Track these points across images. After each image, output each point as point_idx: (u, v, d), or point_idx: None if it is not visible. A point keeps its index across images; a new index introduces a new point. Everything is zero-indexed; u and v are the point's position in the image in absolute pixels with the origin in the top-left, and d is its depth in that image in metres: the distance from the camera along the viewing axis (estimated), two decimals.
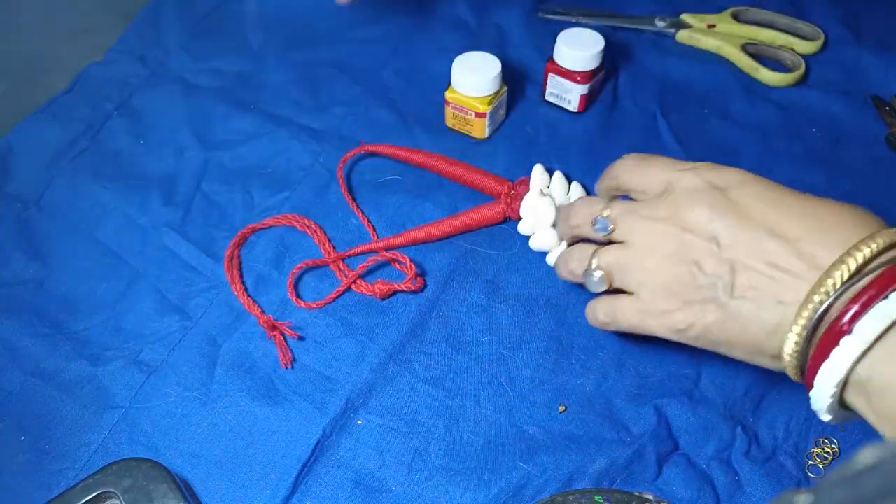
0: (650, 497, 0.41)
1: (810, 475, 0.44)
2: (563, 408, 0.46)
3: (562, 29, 0.61)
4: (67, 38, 0.68)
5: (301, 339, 0.50)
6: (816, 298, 0.33)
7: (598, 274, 0.41)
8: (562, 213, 0.46)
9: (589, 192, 0.57)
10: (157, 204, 0.57)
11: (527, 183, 0.55)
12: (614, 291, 0.42)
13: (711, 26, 0.70)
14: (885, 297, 0.31)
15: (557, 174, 0.56)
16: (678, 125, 0.63)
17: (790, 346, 0.34)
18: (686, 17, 0.71)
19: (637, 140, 0.62)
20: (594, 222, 0.41)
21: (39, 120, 0.63)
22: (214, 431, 0.46)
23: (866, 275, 0.32)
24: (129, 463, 0.42)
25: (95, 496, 0.40)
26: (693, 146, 0.61)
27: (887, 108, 0.63)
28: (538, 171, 0.56)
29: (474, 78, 0.57)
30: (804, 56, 0.67)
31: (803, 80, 0.66)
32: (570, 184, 0.56)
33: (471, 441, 0.45)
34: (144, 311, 0.51)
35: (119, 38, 0.70)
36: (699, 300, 0.37)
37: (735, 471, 0.44)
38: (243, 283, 0.52)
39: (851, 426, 0.45)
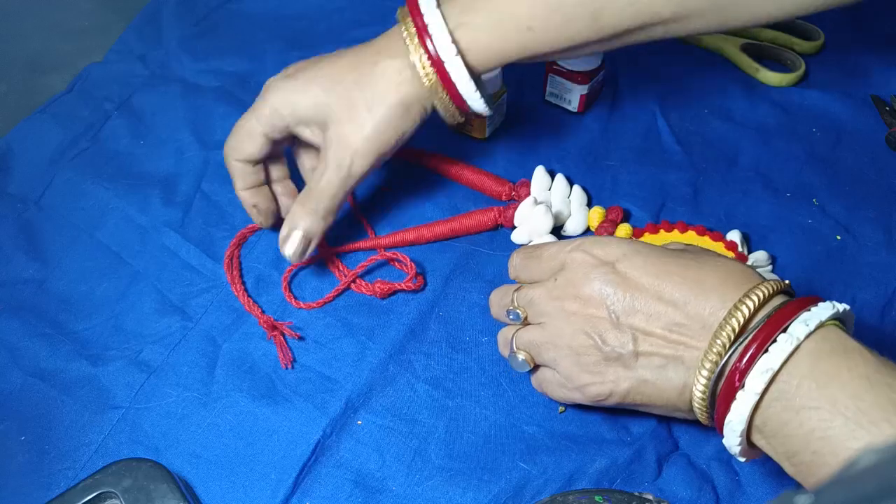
0: (650, 497, 0.41)
1: None
2: (564, 408, 0.46)
3: None
4: (67, 38, 0.68)
5: (301, 339, 0.50)
6: (712, 358, 0.35)
7: (520, 356, 0.42)
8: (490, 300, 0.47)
9: (590, 196, 0.57)
10: (157, 204, 0.57)
11: (528, 185, 0.55)
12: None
13: None
14: (766, 350, 0.34)
15: (559, 178, 0.56)
16: (678, 125, 0.63)
17: (697, 403, 0.37)
18: None
19: (637, 140, 0.62)
20: (507, 313, 0.43)
21: (39, 120, 0.63)
22: (214, 431, 0.46)
23: (752, 330, 0.35)
24: (129, 463, 0.42)
25: (95, 496, 0.40)
26: (693, 146, 0.61)
27: (887, 108, 0.63)
28: (539, 173, 0.55)
29: None
30: (804, 56, 0.67)
31: (803, 80, 0.66)
32: (571, 187, 0.56)
33: (471, 441, 0.45)
34: (144, 311, 0.51)
35: (119, 38, 0.70)
36: (611, 370, 0.39)
37: (735, 471, 0.44)
38: (243, 283, 0.52)
39: None
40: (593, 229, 0.55)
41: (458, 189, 0.58)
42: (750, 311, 0.35)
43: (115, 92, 0.65)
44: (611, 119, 0.63)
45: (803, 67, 0.66)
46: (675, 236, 0.53)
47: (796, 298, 0.36)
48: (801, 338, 0.33)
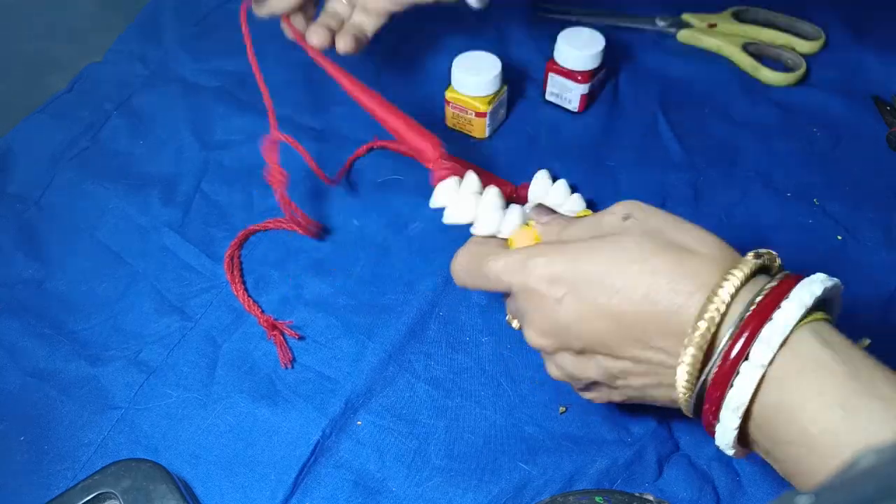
0: (651, 497, 0.41)
1: None
2: (564, 409, 0.46)
3: (562, 28, 0.61)
4: (67, 38, 0.68)
5: (301, 339, 0.50)
6: (683, 387, 0.33)
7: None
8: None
9: (592, 203, 0.57)
10: (157, 204, 0.57)
11: (526, 188, 0.55)
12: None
13: (712, 26, 0.70)
14: (737, 373, 0.31)
15: (561, 183, 0.55)
16: (678, 125, 0.63)
17: (687, 410, 0.34)
18: (687, 17, 0.71)
19: (637, 140, 0.62)
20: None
21: (39, 120, 0.63)
22: (214, 432, 0.45)
23: (722, 347, 0.32)
24: (129, 463, 0.41)
25: (95, 496, 0.40)
26: (693, 146, 0.61)
27: (887, 108, 0.63)
28: (541, 177, 0.55)
29: (474, 78, 0.57)
30: (804, 56, 0.67)
31: (804, 79, 0.66)
32: (571, 193, 0.55)
33: (471, 441, 0.45)
34: (144, 312, 0.51)
35: (119, 38, 0.70)
36: (599, 389, 0.39)
37: (736, 471, 0.44)
38: (243, 282, 0.52)
39: None
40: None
41: None
42: (719, 315, 0.32)
43: (115, 92, 0.65)
44: (611, 119, 0.63)
45: (803, 67, 0.66)
46: None
47: (758, 303, 0.32)
48: (766, 364, 0.30)
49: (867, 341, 0.34)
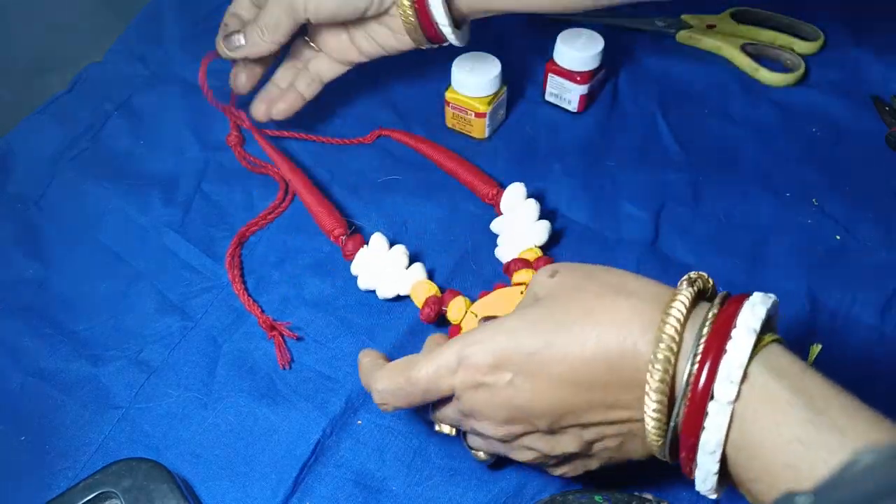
0: (650, 497, 0.41)
1: None
2: None
3: (562, 29, 0.61)
4: (67, 38, 0.68)
5: (301, 339, 0.50)
6: (652, 430, 0.32)
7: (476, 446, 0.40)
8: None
9: (553, 213, 0.57)
10: (157, 204, 0.57)
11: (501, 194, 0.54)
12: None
13: (711, 26, 0.70)
14: (725, 351, 0.30)
15: (530, 203, 0.52)
16: (678, 125, 0.63)
17: (654, 436, 0.32)
18: (686, 18, 0.71)
19: (637, 140, 0.62)
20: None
21: (39, 120, 0.63)
22: (215, 431, 0.46)
23: (684, 388, 0.30)
24: (129, 463, 0.42)
25: (95, 496, 0.40)
26: (693, 146, 0.61)
27: (887, 108, 0.63)
28: (513, 191, 0.53)
29: (474, 78, 0.57)
30: (804, 56, 0.67)
31: (803, 80, 0.66)
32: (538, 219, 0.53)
33: None
34: (144, 311, 0.51)
35: (119, 38, 0.70)
36: (573, 462, 0.37)
37: None
38: (244, 282, 0.52)
39: None
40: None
41: (458, 189, 0.57)
42: (672, 353, 0.31)
43: (115, 92, 0.66)
44: (610, 119, 0.63)
45: (803, 67, 0.66)
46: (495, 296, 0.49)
47: (707, 335, 0.30)
48: (733, 401, 0.29)
49: (818, 347, 0.33)
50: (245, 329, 0.50)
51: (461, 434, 0.41)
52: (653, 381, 0.31)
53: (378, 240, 0.51)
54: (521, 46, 0.69)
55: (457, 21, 0.52)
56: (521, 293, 0.48)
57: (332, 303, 0.51)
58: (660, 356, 0.30)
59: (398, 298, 0.51)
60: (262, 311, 0.51)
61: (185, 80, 0.66)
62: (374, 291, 0.51)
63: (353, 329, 0.50)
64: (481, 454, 0.40)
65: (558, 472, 0.39)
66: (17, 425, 0.46)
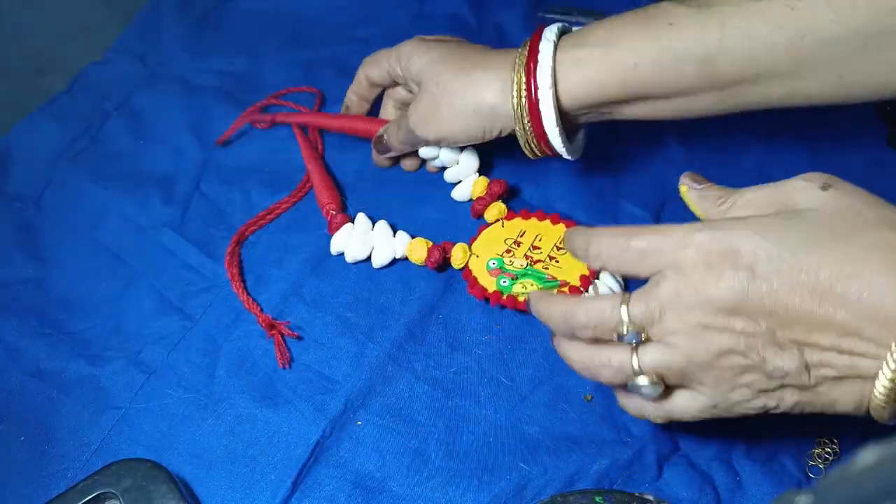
0: (651, 497, 0.41)
1: (811, 475, 0.44)
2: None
3: None
4: (67, 38, 0.68)
5: (300, 338, 0.50)
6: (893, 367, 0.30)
7: (647, 383, 0.35)
8: (558, 316, 0.38)
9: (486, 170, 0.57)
10: (157, 204, 0.57)
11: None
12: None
13: None
14: None
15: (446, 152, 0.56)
16: (678, 125, 0.62)
17: (878, 413, 0.31)
18: None
19: (637, 140, 0.61)
20: (618, 336, 0.35)
21: (39, 120, 0.63)
22: (214, 431, 0.46)
23: None
24: (129, 463, 0.42)
25: (95, 496, 0.40)
26: (693, 146, 0.61)
27: (887, 109, 0.63)
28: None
29: None
30: None
31: None
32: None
33: (470, 441, 0.45)
34: (144, 311, 0.51)
35: (119, 37, 0.70)
36: (773, 388, 0.34)
37: (736, 471, 0.44)
38: (243, 281, 0.52)
39: (851, 427, 0.45)
40: (474, 198, 0.55)
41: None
42: None
43: (115, 92, 0.65)
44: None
45: None
46: (518, 223, 0.53)
47: None
48: None
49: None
50: (245, 329, 0.50)
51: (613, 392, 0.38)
52: (891, 361, 0.29)
53: (362, 218, 0.53)
54: None
55: (568, 132, 0.49)
56: (502, 226, 0.53)
57: (332, 302, 0.51)
58: None
59: (393, 262, 0.53)
60: (262, 310, 0.51)
61: (184, 79, 0.66)
62: (367, 278, 0.52)
63: (353, 328, 0.50)
64: (648, 386, 0.35)
65: (736, 395, 0.34)
66: (17, 426, 0.46)
